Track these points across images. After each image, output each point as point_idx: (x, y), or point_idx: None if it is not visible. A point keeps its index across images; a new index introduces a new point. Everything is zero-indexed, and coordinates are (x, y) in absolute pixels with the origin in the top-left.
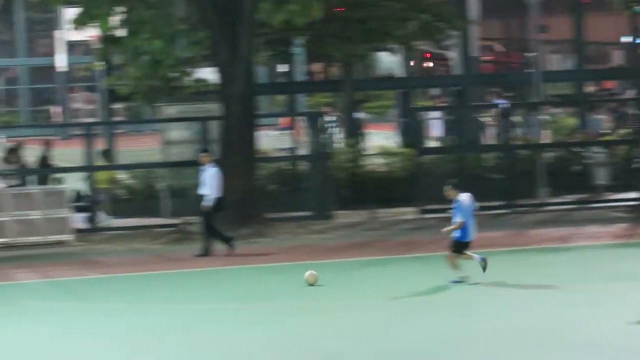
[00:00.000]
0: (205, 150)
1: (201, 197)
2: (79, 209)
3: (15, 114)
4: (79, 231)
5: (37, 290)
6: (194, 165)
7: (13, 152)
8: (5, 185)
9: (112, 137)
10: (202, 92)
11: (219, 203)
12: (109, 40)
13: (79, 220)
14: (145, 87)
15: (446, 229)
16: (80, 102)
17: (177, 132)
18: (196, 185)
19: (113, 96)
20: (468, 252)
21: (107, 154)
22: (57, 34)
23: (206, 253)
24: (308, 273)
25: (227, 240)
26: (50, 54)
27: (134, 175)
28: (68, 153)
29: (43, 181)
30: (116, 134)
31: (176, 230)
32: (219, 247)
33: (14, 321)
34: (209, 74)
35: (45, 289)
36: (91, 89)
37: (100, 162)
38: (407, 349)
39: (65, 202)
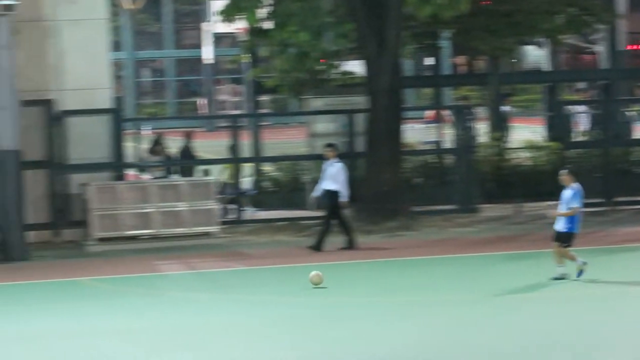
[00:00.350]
0: (330, 145)
1: (326, 192)
2: (226, 201)
3: (161, 105)
4: (225, 222)
5: (182, 281)
6: (343, 157)
7: (157, 144)
8: (151, 177)
9: (258, 129)
10: (349, 84)
11: (339, 197)
12: (255, 32)
13: (226, 212)
14: (292, 80)
15: (559, 212)
16: (226, 94)
17: (323, 125)
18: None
19: (259, 88)
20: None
21: (233, 148)
22: (204, 26)
23: (351, 245)
24: (313, 273)
25: (322, 237)
26: (197, 45)
27: (280, 167)
28: (213, 144)
29: (185, 172)
30: (261, 126)
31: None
32: (332, 240)
33: (159, 311)
34: (356, 67)
35: (190, 280)
36: (237, 81)
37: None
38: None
39: (211, 193)
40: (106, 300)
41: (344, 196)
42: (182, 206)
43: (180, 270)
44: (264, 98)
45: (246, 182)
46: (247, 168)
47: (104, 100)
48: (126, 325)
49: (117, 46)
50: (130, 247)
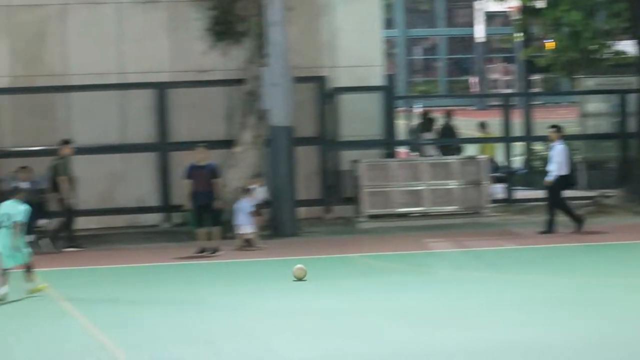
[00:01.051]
0: (554, 126)
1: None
2: (496, 180)
3: (432, 83)
4: (495, 201)
5: (452, 259)
6: (612, 138)
7: (429, 121)
8: (422, 154)
9: (529, 108)
10: (621, 64)
11: (565, 180)
12: (528, 11)
13: (496, 191)
14: (564, 59)
15: None
16: (498, 72)
17: (595, 105)
18: (612, 158)
19: (531, 67)
20: None
21: (483, 125)
22: (477, 4)
23: (550, 229)
24: (297, 266)
25: (576, 219)
26: (469, 24)
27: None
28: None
29: (446, 151)
30: (533, 105)
31: (592, 203)
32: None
33: (429, 289)
34: (628, 47)
35: (461, 258)
36: (508, 60)
37: (479, 134)
38: None
39: (483, 172)
40: (376, 277)
41: (551, 176)
42: (453, 184)
43: (450, 248)
44: (536, 77)
45: (516, 161)
46: (518, 147)
47: (376, 77)
48: (396, 302)
49: (389, 24)
50: (400, 225)
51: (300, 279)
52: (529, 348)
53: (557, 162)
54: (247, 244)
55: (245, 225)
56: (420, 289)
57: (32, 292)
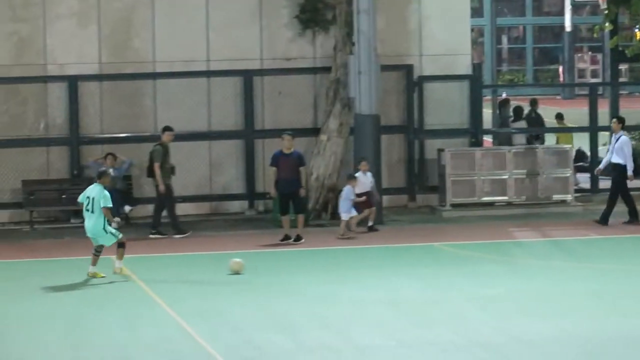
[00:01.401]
0: (617, 117)
1: (613, 165)
2: (580, 169)
3: (519, 72)
4: (580, 191)
5: (537, 248)
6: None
7: (519, 111)
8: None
9: (616, 98)
10: None
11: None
12: (617, 0)
13: (581, 180)
14: None
15: None
16: (585, 62)
17: None
18: None
19: (619, 56)
20: None
21: (560, 116)
22: None
23: (633, 220)
24: (232, 261)
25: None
26: (556, 13)
27: (633, 137)
28: (572, 113)
29: (531, 140)
30: (620, 95)
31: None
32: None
33: (512, 278)
34: None
35: (545, 248)
36: (596, 49)
37: (557, 124)
38: None
39: (568, 161)
40: (460, 266)
41: (629, 169)
42: (538, 173)
43: (534, 237)
44: (624, 66)
45: (602, 150)
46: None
47: (463, 66)
48: (479, 291)
49: (477, 12)
50: (484, 214)
51: (237, 273)
52: (612, 339)
53: (623, 154)
54: (348, 231)
55: (346, 213)
56: (504, 278)
57: (118, 272)
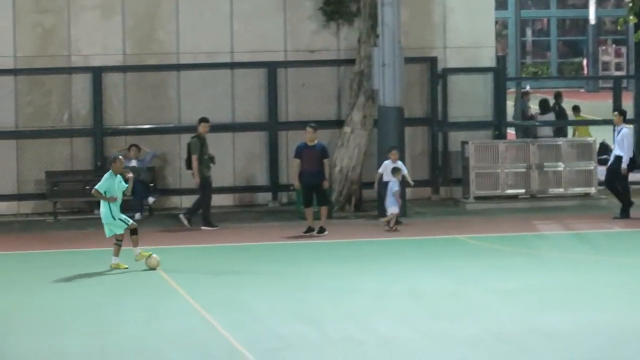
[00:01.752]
0: (617, 110)
1: (615, 157)
2: (604, 162)
3: (543, 65)
4: (602, 184)
5: (560, 241)
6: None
7: (545, 103)
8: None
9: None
10: None
11: (632, 163)
12: None
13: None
14: None
15: None
16: (609, 54)
17: None
18: None
19: None
20: None
21: (577, 109)
22: None
23: (625, 215)
24: (153, 256)
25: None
26: (581, 6)
27: None
28: (596, 106)
29: (556, 132)
30: None
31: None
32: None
33: (536, 271)
34: None
35: (568, 241)
36: (621, 42)
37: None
38: None
39: (592, 154)
40: (483, 259)
41: (624, 162)
42: (561, 166)
43: (558, 230)
44: None
45: None
46: None
47: (487, 58)
48: (503, 284)
49: (501, 5)
50: (508, 206)
51: (152, 269)
52: (634, 332)
53: (625, 146)
54: (391, 224)
55: (394, 206)
56: (526, 271)
57: (139, 258)
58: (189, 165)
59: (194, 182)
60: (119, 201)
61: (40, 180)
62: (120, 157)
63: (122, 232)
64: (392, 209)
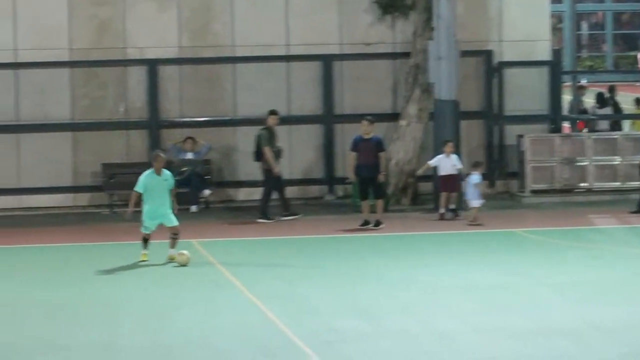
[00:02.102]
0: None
1: None
2: None
3: (599, 58)
4: None
5: (616, 235)
6: None
7: (602, 97)
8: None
9: None
10: None
11: None
12: None
13: None
14: None
15: None
16: None
17: None
18: None
19: None
20: None
21: (639, 101)
22: None
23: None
24: (183, 252)
25: None
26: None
27: None
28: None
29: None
30: None
31: None
32: None
33: (592, 265)
34: None
35: (625, 235)
36: None
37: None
38: None
39: None
40: (539, 253)
41: None
42: (617, 160)
43: (614, 224)
44: None
45: None
46: None
47: (543, 52)
48: (559, 278)
49: None
50: (563, 200)
51: (183, 265)
52: None
53: None
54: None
55: (476, 200)
56: (584, 265)
57: (171, 259)
58: (257, 158)
59: (275, 171)
60: (163, 200)
61: (96, 172)
62: (161, 153)
63: (148, 232)
64: (475, 202)
